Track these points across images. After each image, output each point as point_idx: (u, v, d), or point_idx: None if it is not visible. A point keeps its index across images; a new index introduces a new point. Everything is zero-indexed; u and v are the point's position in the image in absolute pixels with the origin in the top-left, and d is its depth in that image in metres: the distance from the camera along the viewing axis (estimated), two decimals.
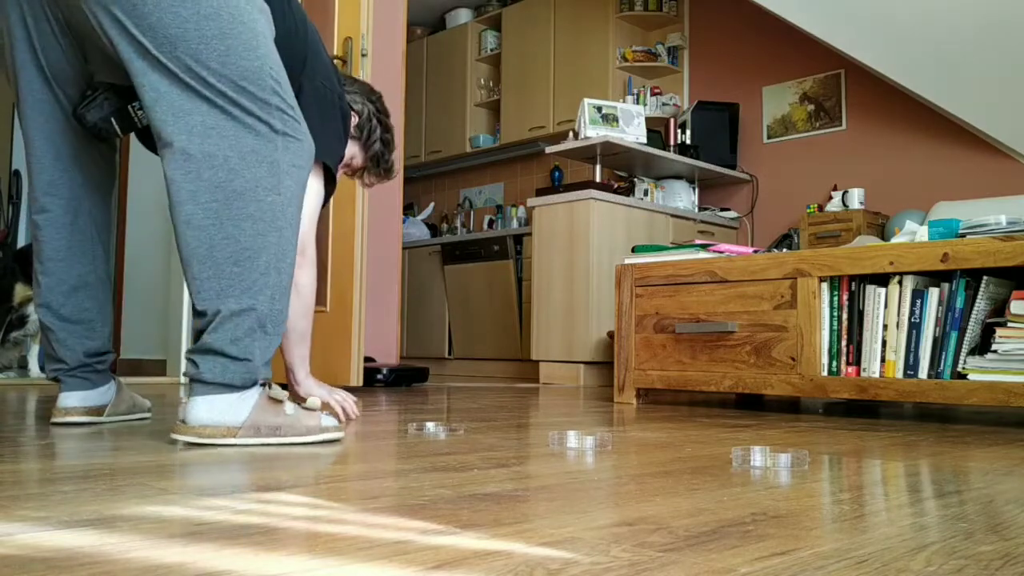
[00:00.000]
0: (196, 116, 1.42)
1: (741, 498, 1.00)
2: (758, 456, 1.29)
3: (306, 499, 0.94)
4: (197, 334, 1.44)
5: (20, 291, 3.70)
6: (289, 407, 1.47)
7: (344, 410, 1.94)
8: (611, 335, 4.19)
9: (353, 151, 1.99)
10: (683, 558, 0.70)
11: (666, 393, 3.34)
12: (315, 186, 1.79)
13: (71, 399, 1.70)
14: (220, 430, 1.40)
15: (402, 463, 1.26)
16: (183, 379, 3.86)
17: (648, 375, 2.80)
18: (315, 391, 1.91)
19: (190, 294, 1.45)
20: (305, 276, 1.80)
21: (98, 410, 1.73)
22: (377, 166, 2.04)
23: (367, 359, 3.41)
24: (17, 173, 4.56)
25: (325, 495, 0.97)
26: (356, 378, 3.12)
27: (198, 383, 1.42)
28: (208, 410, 1.40)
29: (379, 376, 3.61)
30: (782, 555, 0.72)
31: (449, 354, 5.79)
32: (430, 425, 1.73)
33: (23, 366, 3.90)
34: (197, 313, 1.44)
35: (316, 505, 0.91)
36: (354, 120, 1.96)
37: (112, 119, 1.63)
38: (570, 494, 1.02)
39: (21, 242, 4.71)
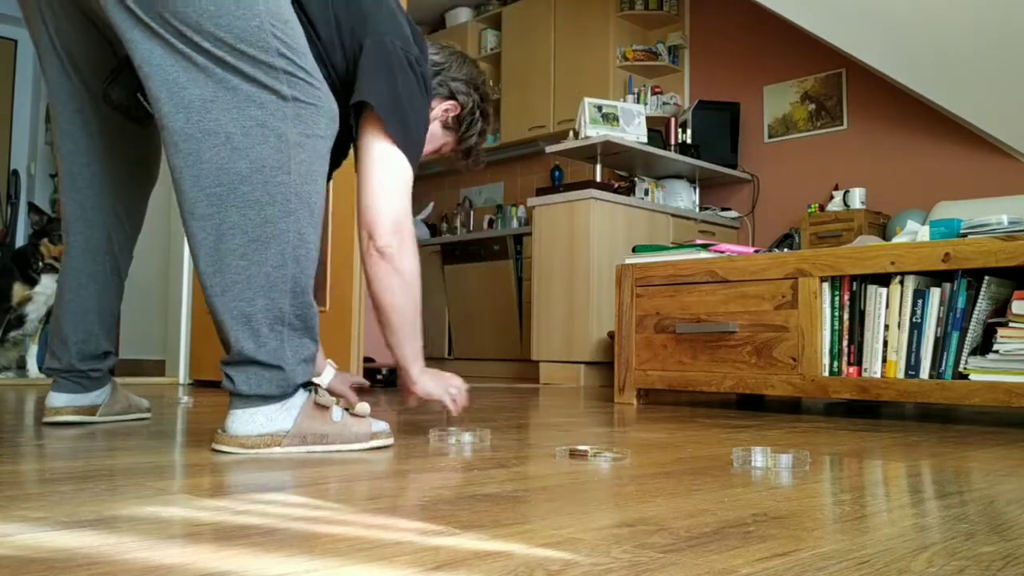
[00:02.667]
0: (193, 89, 1.29)
1: (742, 499, 1.00)
2: (759, 457, 1.29)
3: (305, 499, 0.94)
4: (223, 342, 1.34)
5: (18, 291, 3.70)
6: (336, 413, 1.38)
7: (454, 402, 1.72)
8: (611, 335, 4.19)
9: (446, 139, 1.80)
10: (684, 559, 0.70)
11: (667, 393, 3.34)
12: (393, 161, 1.53)
13: (59, 399, 1.68)
14: (264, 439, 1.30)
15: (401, 463, 1.26)
16: (182, 379, 3.86)
17: (649, 375, 2.79)
18: (433, 389, 1.69)
19: (203, 292, 1.33)
20: (406, 260, 1.56)
21: (89, 410, 1.71)
22: (467, 157, 1.85)
23: (367, 359, 3.41)
24: (15, 173, 4.55)
25: (324, 495, 0.97)
26: None
27: (236, 396, 1.32)
28: (248, 422, 1.31)
29: (379, 376, 3.60)
30: (783, 556, 0.71)
31: (449, 354, 5.78)
32: (463, 432, 1.60)
33: (22, 366, 3.89)
34: (211, 315, 1.33)
35: (316, 505, 0.90)
36: (452, 110, 1.77)
37: (139, 95, 1.50)
38: (570, 495, 1.01)
39: (20, 242, 4.71)
